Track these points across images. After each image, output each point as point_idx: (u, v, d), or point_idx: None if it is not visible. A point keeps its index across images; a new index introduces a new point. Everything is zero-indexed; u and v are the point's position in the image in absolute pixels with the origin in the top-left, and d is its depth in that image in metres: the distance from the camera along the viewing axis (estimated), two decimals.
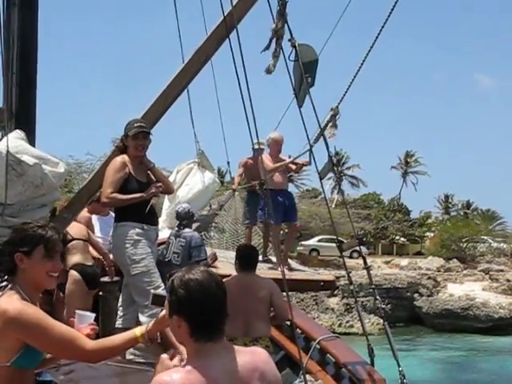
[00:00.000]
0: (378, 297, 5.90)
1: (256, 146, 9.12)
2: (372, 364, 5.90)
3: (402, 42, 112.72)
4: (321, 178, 6.25)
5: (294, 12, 5.80)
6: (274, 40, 5.85)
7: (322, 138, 5.95)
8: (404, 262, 42.50)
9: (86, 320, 3.28)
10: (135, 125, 5.99)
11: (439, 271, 39.07)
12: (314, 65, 5.96)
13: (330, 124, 6.16)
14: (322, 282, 8.66)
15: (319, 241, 45.47)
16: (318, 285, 8.80)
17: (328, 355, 6.38)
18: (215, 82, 9.96)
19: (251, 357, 2.62)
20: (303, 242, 44.43)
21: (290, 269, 8.85)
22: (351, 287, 6.36)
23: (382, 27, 5.49)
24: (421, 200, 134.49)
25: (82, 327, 3.23)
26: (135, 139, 6.04)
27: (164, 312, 2.89)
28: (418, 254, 53.54)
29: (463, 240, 46.22)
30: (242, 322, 5.93)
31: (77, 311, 3.37)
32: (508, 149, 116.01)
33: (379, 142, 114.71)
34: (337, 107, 6.10)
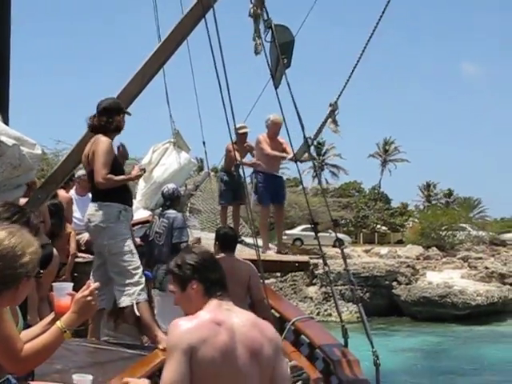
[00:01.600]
0: (352, 278, 5.96)
1: (242, 130, 9.16)
2: (346, 345, 5.96)
3: (385, 31, 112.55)
4: (296, 160, 6.28)
5: None
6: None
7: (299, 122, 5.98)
8: (384, 250, 42.64)
9: (63, 291, 3.25)
10: (120, 106, 6.02)
11: (418, 259, 39.26)
12: (290, 46, 5.98)
13: (330, 119, 6.19)
14: (297, 263, 8.71)
15: (303, 230, 45.42)
16: (292, 265, 8.84)
17: (302, 336, 6.43)
18: (191, 62, 9.97)
19: (252, 316, 3.30)
20: (287, 232, 44.34)
21: (281, 252, 8.97)
22: (326, 268, 6.40)
23: (379, 20, 5.54)
24: (404, 189, 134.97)
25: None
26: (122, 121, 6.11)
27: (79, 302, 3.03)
28: (400, 242, 53.72)
29: (442, 228, 46.53)
30: None
31: (53, 284, 3.34)
32: (493, 137, 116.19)
33: (361, 131, 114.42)
34: (335, 103, 6.14)
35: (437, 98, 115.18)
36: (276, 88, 5.85)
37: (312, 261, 30.63)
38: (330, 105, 6.05)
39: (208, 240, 8.16)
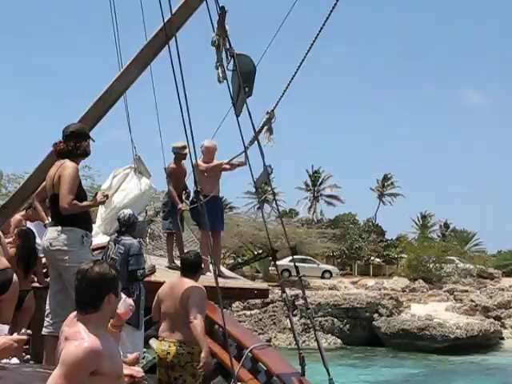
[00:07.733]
0: (309, 307, 5.99)
1: (185, 151, 8.88)
2: (303, 373, 5.95)
3: (388, 60, 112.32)
4: (256, 188, 6.32)
5: (234, 22, 5.91)
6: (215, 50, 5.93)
7: (260, 149, 6.01)
8: (371, 282, 42.68)
9: None
10: (87, 131, 6.07)
11: (404, 291, 39.30)
12: (251, 75, 6.06)
13: (266, 127, 6.26)
14: (256, 291, 8.68)
15: (291, 261, 45.15)
16: (251, 293, 8.81)
17: (260, 364, 6.41)
18: (154, 88, 10.03)
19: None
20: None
21: (221, 275, 8.84)
22: (286, 296, 6.37)
23: (318, 33, 5.64)
24: (400, 221, 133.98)
25: None
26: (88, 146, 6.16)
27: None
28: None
29: (430, 261, 46.51)
30: (170, 324, 6.18)
31: None
32: (495, 168, 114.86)
33: (358, 161, 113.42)
34: (272, 111, 6.23)
35: (438, 126, 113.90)
36: (237, 116, 5.90)
37: (293, 292, 30.45)
38: (267, 113, 6.14)
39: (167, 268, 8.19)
